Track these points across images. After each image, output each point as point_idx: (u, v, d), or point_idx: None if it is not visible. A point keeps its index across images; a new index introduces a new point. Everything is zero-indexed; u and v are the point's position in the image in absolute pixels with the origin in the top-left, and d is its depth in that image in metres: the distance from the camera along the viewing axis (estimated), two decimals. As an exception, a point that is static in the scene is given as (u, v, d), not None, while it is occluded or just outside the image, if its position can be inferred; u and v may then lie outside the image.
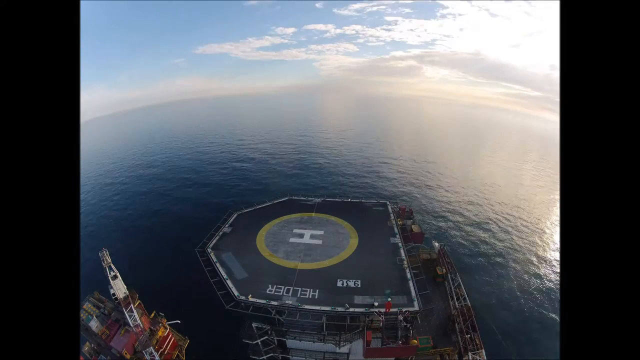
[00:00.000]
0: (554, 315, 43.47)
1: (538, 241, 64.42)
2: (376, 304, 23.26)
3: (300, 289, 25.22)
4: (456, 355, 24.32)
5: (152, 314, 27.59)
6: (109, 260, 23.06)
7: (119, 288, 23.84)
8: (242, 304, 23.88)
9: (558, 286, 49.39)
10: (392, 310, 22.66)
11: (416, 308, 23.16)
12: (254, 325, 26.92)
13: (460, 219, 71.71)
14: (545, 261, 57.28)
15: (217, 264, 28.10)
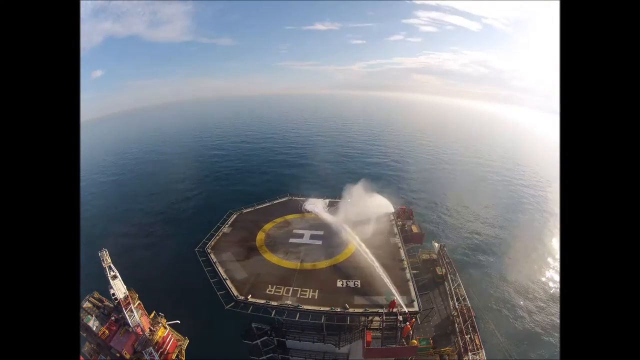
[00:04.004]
0: (554, 316, 43.45)
1: (539, 241, 64.41)
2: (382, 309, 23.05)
3: (300, 289, 25.20)
4: (456, 356, 24.31)
5: (152, 314, 27.55)
6: (109, 260, 23.02)
7: (119, 288, 23.80)
8: (242, 304, 23.86)
9: (558, 286, 49.36)
10: (392, 310, 22.66)
11: (416, 308, 23.14)
12: (253, 325, 26.89)
13: (460, 220, 71.74)
14: (546, 261, 57.27)
15: (217, 264, 28.08)
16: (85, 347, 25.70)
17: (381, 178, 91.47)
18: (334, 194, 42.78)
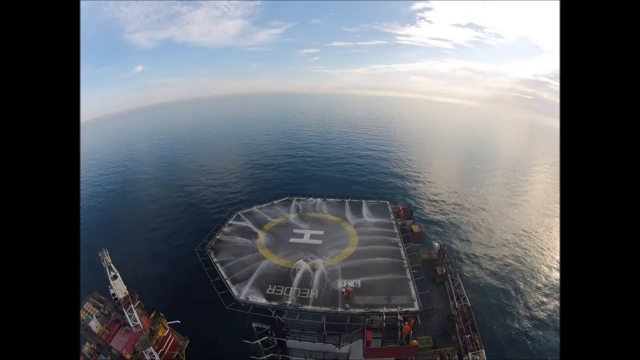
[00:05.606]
0: (554, 315, 43.45)
1: (540, 240, 64.37)
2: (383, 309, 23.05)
3: (300, 289, 25.20)
4: (456, 355, 24.30)
5: (152, 314, 27.55)
6: (109, 260, 23.02)
7: (119, 288, 23.80)
8: (242, 304, 23.86)
9: (558, 286, 49.34)
10: (392, 310, 22.70)
11: (416, 308, 23.15)
12: (253, 325, 26.87)
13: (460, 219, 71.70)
14: (546, 260, 57.24)
15: (217, 264, 28.08)
16: (85, 347, 25.71)
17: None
18: (334, 193, 42.77)
